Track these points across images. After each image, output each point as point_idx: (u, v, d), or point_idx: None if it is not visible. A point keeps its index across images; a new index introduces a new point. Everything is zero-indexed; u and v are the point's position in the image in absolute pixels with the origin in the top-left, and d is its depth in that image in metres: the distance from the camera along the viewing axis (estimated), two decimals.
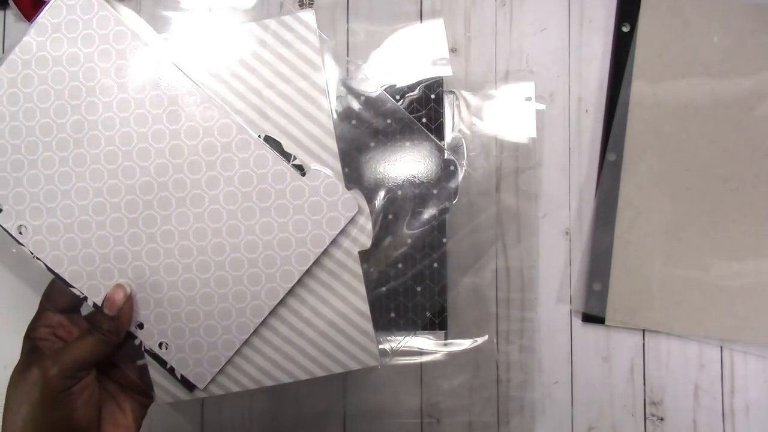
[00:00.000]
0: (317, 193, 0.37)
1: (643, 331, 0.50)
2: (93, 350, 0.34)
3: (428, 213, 0.49)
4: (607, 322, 0.49)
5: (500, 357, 0.50)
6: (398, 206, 0.49)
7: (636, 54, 0.50)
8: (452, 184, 0.50)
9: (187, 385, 0.39)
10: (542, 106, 0.51)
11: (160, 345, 0.38)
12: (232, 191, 0.37)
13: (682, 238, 0.49)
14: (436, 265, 0.49)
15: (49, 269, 0.38)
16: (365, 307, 0.39)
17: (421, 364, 0.50)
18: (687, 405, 0.50)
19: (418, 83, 0.50)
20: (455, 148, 0.50)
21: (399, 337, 0.49)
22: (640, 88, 0.50)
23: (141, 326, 0.38)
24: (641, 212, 0.49)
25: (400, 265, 0.49)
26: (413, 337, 0.49)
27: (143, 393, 0.39)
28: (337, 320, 0.39)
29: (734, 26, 0.50)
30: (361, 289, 0.39)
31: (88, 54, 0.37)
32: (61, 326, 0.37)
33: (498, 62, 0.52)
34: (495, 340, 0.50)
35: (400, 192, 0.49)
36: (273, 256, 0.37)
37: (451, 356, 0.49)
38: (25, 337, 0.36)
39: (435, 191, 0.49)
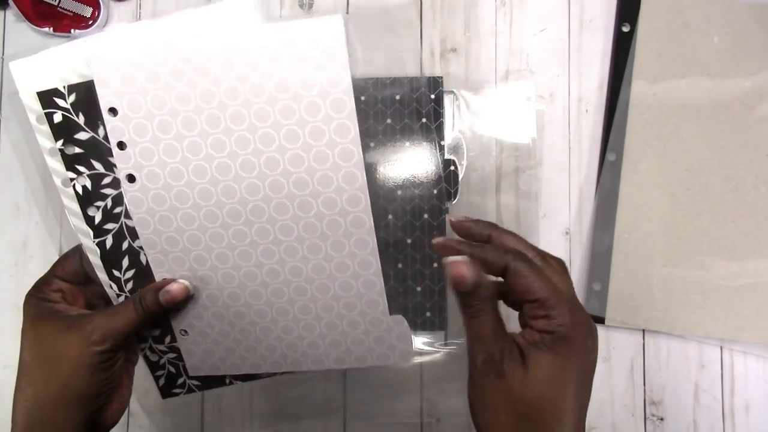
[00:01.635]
0: (390, 332, 0.41)
1: (643, 331, 0.50)
2: (137, 323, 0.37)
3: (428, 213, 0.49)
4: (607, 322, 0.49)
5: None
6: (398, 206, 0.49)
7: (636, 54, 0.50)
8: (452, 184, 0.50)
9: (162, 390, 0.43)
10: (542, 106, 0.51)
11: (181, 331, 0.41)
12: (325, 284, 0.40)
13: (682, 238, 0.49)
14: (435, 265, 0.49)
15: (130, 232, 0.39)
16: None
17: (421, 364, 0.50)
18: (687, 405, 0.50)
19: (418, 83, 0.50)
20: (455, 148, 0.50)
21: None
22: (640, 88, 0.50)
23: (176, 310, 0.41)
24: (641, 212, 0.49)
25: (399, 265, 0.49)
26: (413, 337, 0.49)
27: (135, 352, 0.42)
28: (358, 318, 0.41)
29: (734, 26, 0.50)
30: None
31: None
32: (70, 293, 0.39)
33: (498, 62, 0.52)
34: None
35: (400, 192, 0.49)
36: (318, 344, 0.41)
37: (451, 356, 0.49)
38: (30, 298, 0.38)
39: (435, 191, 0.49)
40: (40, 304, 0.38)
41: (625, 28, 0.51)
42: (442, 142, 0.50)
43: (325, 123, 0.37)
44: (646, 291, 0.49)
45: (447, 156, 0.50)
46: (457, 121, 0.50)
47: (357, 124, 0.38)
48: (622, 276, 0.49)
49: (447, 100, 0.50)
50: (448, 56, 0.52)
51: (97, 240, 0.41)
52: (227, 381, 0.45)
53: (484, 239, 0.35)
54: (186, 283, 0.39)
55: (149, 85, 0.37)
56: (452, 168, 0.50)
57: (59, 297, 0.38)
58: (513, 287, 0.32)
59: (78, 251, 0.40)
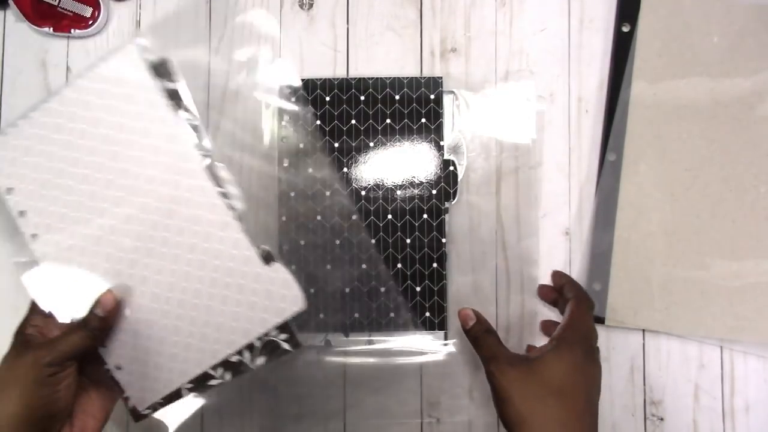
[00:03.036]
0: (274, 283, 0.42)
1: (643, 331, 0.50)
2: (80, 344, 0.40)
3: (427, 213, 0.49)
4: (607, 322, 0.49)
5: None
6: (397, 206, 0.49)
7: (636, 54, 0.50)
8: (451, 185, 0.49)
9: (133, 413, 0.44)
10: (543, 107, 0.51)
11: (116, 367, 0.43)
12: (203, 260, 0.42)
13: (682, 238, 0.49)
14: (435, 265, 0.49)
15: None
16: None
17: (421, 364, 0.50)
18: (687, 405, 0.50)
19: (418, 83, 0.50)
20: (455, 148, 0.50)
21: (397, 337, 0.49)
22: (640, 88, 0.50)
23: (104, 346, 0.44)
24: (641, 212, 0.49)
25: (399, 265, 0.49)
26: (413, 336, 0.49)
27: (111, 389, 0.44)
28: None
29: (734, 26, 0.50)
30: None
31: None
32: (45, 327, 0.42)
33: (498, 62, 0.52)
34: None
35: (399, 192, 0.49)
36: (224, 323, 0.43)
37: (451, 356, 0.49)
38: (16, 333, 0.41)
39: (434, 191, 0.49)
40: (18, 337, 0.41)
41: (625, 28, 0.51)
42: (442, 143, 0.50)
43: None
44: (646, 291, 0.49)
45: (446, 156, 0.50)
46: (457, 121, 0.50)
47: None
48: (622, 276, 0.49)
49: (447, 100, 0.50)
50: (448, 56, 0.52)
51: None
52: (184, 393, 0.44)
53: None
54: (112, 288, 0.42)
55: (29, 158, 0.43)
56: (451, 168, 0.50)
57: (35, 331, 0.42)
58: (566, 309, 0.43)
59: None
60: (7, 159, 0.43)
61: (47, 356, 0.39)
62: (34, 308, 0.43)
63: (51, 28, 0.51)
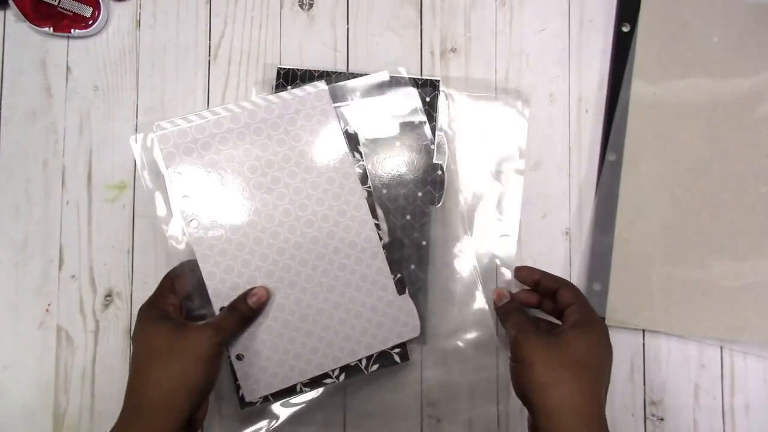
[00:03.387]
0: (401, 311, 0.48)
1: (643, 331, 0.50)
2: (236, 326, 0.45)
3: (411, 215, 0.49)
4: (607, 322, 0.49)
5: (500, 357, 0.50)
6: (382, 204, 0.49)
7: (636, 54, 0.50)
8: (437, 189, 0.49)
9: (242, 400, 0.46)
10: (528, 116, 0.51)
11: (238, 356, 0.46)
12: (348, 278, 0.47)
13: (682, 238, 0.49)
14: (413, 266, 0.48)
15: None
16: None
17: (422, 364, 0.50)
18: (687, 405, 0.50)
19: (415, 83, 0.50)
20: (439, 148, 0.50)
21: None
22: (640, 88, 0.50)
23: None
24: (641, 212, 0.49)
25: None
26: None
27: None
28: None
29: (734, 26, 0.50)
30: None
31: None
32: (179, 307, 0.45)
33: (498, 62, 0.52)
34: (495, 340, 0.50)
35: (385, 191, 0.49)
36: (351, 336, 0.47)
37: (451, 356, 0.49)
38: (151, 306, 0.44)
39: (420, 194, 0.49)
40: (155, 311, 0.43)
41: (625, 28, 0.51)
42: (432, 146, 0.49)
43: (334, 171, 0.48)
44: (646, 291, 0.49)
45: (435, 160, 0.49)
46: (447, 122, 0.50)
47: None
48: (622, 276, 0.49)
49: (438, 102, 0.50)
50: (448, 56, 0.52)
51: None
52: (298, 389, 0.47)
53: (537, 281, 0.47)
54: (265, 286, 0.46)
55: (206, 153, 0.47)
56: (439, 172, 0.49)
57: (172, 308, 0.44)
58: (562, 298, 0.45)
59: (190, 268, 0.46)
60: (183, 147, 0.47)
61: (217, 335, 0.42)
62: (168, 287, 0.45)
63: (51, 28, 0.51)
